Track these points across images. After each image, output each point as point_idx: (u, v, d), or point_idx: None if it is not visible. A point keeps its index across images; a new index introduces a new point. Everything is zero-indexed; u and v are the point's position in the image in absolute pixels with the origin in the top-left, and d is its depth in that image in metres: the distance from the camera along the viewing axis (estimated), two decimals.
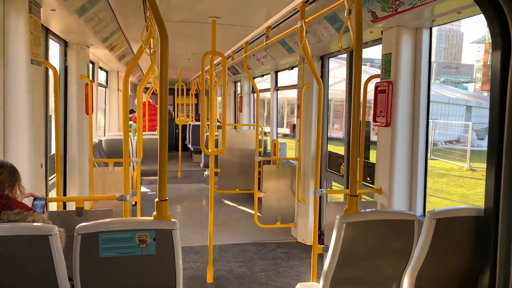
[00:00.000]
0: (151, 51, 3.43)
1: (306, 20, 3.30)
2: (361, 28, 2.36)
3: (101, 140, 6.59)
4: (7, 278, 1.91)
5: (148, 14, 3.32)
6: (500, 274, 2.11)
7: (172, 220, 2.07)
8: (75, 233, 1.96)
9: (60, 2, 2.88)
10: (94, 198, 4.00)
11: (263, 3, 3.77)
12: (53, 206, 4.19)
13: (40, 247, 1.92)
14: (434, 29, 3.44)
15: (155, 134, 7.93)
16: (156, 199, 2.07)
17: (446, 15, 2.94)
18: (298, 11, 3.43)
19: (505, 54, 2.12)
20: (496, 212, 2.16)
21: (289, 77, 7.47)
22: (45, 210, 2.67)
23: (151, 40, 3.37)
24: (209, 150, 4.30)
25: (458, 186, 12.10)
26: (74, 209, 2.92)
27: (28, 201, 2.64)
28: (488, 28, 2.22)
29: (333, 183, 5.53)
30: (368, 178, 4.32)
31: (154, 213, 2.07)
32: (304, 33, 3.30)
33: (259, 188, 5.68)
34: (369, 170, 4.29)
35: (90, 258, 1.98)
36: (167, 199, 2.08)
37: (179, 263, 2.08)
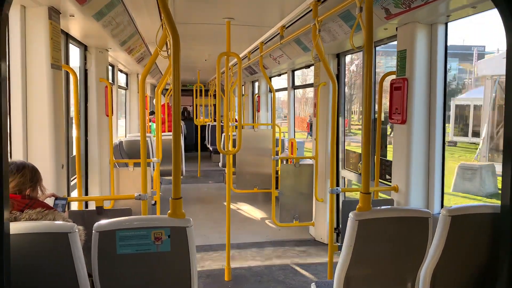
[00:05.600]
0: (168, 53, 3.49)
1: (319, 19, 3.31)
2: (372, 26, 2.36)
3: (122, 141, 6.73)
4: (28, 274, 1.99)
5: (162, 16, 3.39)
6: None
7: (186, 218, 2.12)
8: (93, 231, 2.03)
9: (78, 8, 2.96)
10: (113, 197, 4.10)
11: (276, 3, 3.79)
12: (75, 206, 4.31)
13: (60, 245, 1.99)
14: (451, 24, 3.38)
15: None
16: (171, 197, 2.12)
17: (460, 10, 2.90)
18: (311, 10, 3.44)
19: None
20: None
21: None
22: (66, 209, 2.76)
23: (168, 42, 3.43)
24: (225, 150, 4.35)
25: None
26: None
27: (50, 201, 2.73)
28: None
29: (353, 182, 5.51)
30: (387, 176, 4.29)
31: (169, 211, 2.12)
32: (317, 31, 3.31)
33: (276, 187, 5.70)
34: (387, 168, 4.25)
35: (108, 255, 2.04)
36: (181, 197, 2.12)
37: (193, 260, 2.12)
